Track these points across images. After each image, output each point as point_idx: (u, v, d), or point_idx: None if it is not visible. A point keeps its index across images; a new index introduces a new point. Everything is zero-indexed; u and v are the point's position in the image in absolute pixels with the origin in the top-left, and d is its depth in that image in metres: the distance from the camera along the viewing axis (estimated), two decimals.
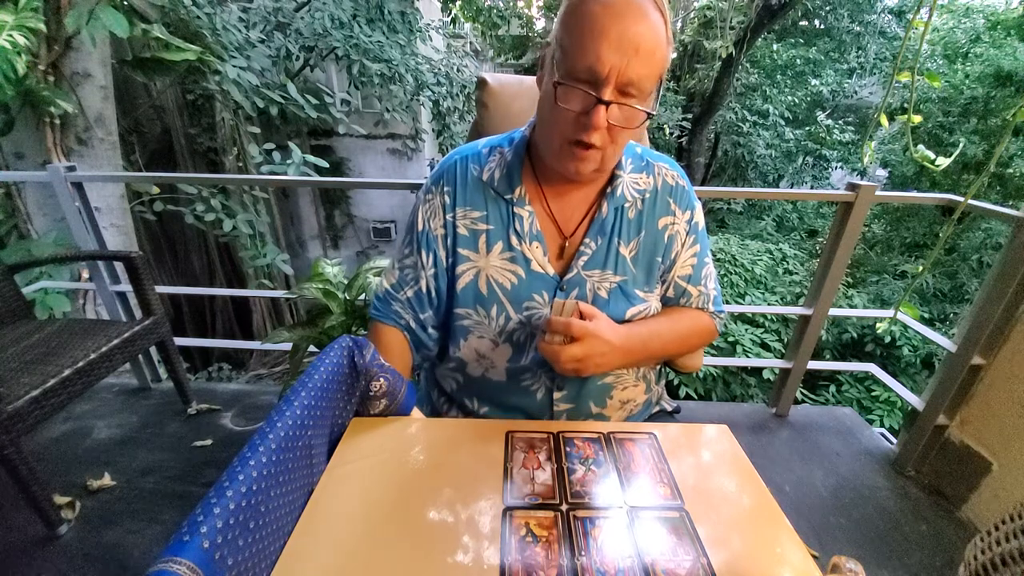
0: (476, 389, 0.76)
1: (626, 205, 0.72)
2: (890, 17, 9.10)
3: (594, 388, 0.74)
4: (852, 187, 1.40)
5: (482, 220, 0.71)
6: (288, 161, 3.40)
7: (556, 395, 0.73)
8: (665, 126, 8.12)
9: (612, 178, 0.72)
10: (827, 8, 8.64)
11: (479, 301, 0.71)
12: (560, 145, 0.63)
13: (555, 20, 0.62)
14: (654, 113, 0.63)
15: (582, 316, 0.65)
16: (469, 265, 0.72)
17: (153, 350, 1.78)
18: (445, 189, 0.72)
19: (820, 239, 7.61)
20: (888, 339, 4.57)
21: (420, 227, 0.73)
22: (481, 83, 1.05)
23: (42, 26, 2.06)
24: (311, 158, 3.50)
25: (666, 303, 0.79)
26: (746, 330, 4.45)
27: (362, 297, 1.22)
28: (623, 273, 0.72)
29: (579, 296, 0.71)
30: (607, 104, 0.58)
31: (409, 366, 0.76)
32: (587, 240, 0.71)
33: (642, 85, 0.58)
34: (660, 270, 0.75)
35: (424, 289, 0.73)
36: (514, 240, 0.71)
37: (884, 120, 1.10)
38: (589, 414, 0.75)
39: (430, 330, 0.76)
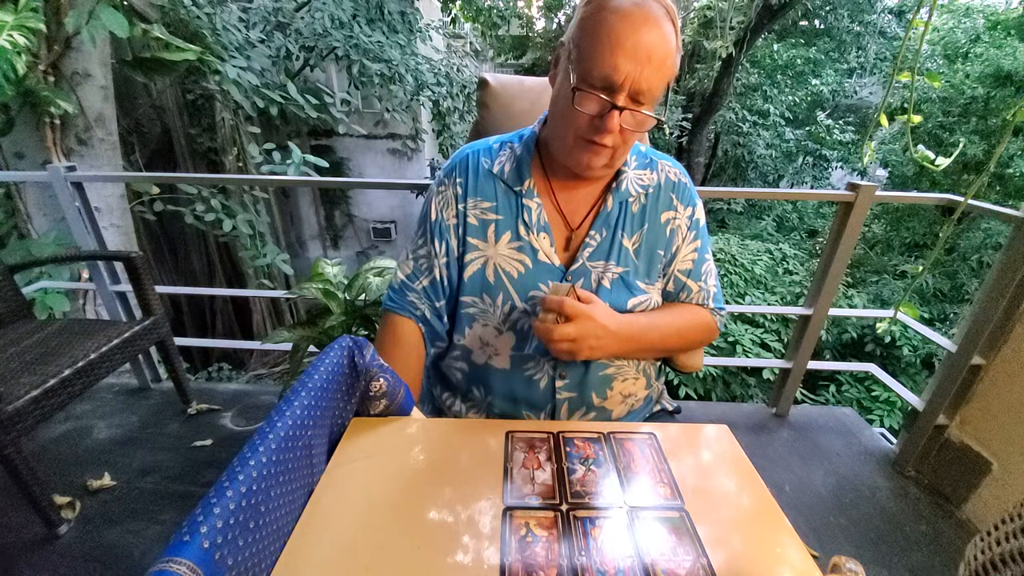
0: (481, 377, 0.77)
1: (630, 200, 0.75)
2: (890, 17, 9.11)
3: (595, 378, 0.75)
4: (852, 187, 1.40)
5: (492, 210, 0.74)
6: (288, 161, 3.40)
7: (558, 383, 0.74)
8: (665, 126, 8.13)
9: (617, 174, 0.74)
10: (827, 8, 8.64)
11: (485, 289, 0.73)
12: (573, 141, 0.66)
13: (573, 21, 0.64)
14: (664, 120, 0.65)
15: (579, 300, 0.66)
16: (477, 254, 0.73)
17: (153, 350, 1.78)
18: (457, 180, 0.75)
19: (820, 239, 7.61)
20: (888, 339, 4.58)
21: (433, 217, 0.75)
22: (482, 83, 1.05)
23: (42, 26, 2.06)
24: (311, 158, 3.50)
25: (666, 298, 0.80)
26: (746, 330, 4.45)
27: (362, 297, 1.22)
28: (625, 264, 0.74)
29: (584, 286, 0.72)
30: (620, 110, 0.61)
31: (422, 358, 0.77)
32: (592, 232, 0.73)
33: (653, 93, 0.62)
34: (662, 263, 0.77)
35: (438, 278, 0.75)
36: (522, 230, 0.73)
37: (884, 120, 1.10)
38: (591, 405, 0.76)
39: (445, 319, 0.77)
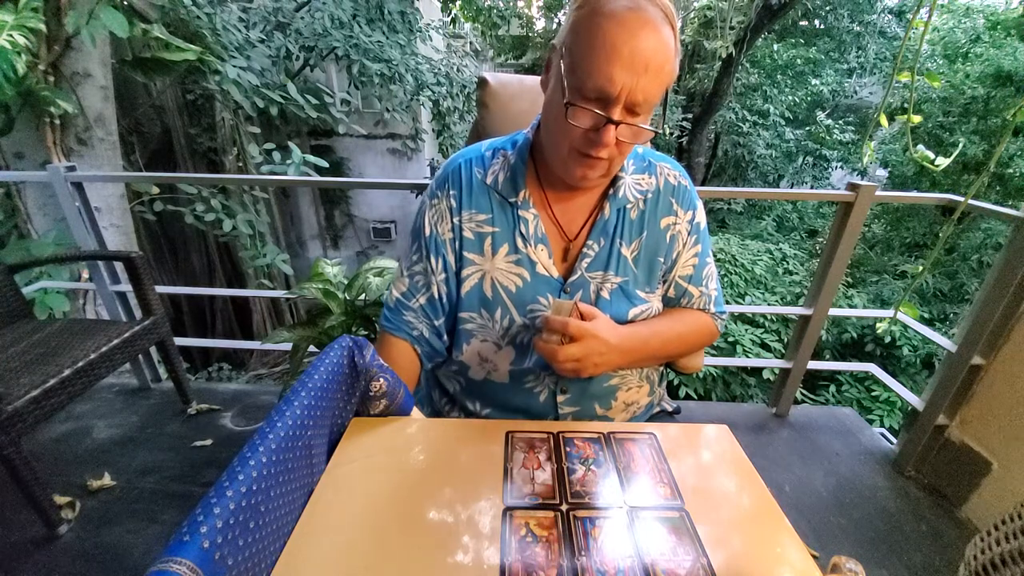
0: (478, 392, 0.76)
1: (628, 206, 0.72)
2: (890, 17, 9.11)
3: (599, 390, 0.73)
4: (852, 187, 1.40)
5: (488, 223, 0.71)
6: (288, 161, 3.40)
7: (560, 398, 0.72)
8: (665, 126, 8.13)
9: (614, 180, 0.72)
10: (827, 8, 8.64)
11: (484, 304, 0.71)
12: (567, 153, 0.63)
13: (565, 24, 0.61)
14: (661, 131, 0.63)
15: (581, 316, 0.64)
16: (474, 269, 0.71)
17: (153, 350, 1.78)
18: (451, 193, 0.72)
19: (820, 239, 7.60)
20: (888, 339, 4.57)
21: (427, 232, 0.72)
22: (482, 83, 1.05)
23: (42, 26, 2.06)
24: (311, 158, 3.50)
25: (667, 304, 0.79)
26: (746, 330, 4.45)
27: (362, 297, 1.22)
28: (624, 274, 0.72)
29: (583, 298, 0.71)
30: (616, 124, 0.58)
31: (415, 379, 0.75)
32: (590, 242, 0.71)
33: (651, 102, 0.59)
34: (662, 270, 0.75)
35: (436, 295, 0.72)
36: (520, 243, 0.70)
37: (884, 120, 1.10)
38: (594, 415, 0.75)
39: (444, 337, 0.75)
